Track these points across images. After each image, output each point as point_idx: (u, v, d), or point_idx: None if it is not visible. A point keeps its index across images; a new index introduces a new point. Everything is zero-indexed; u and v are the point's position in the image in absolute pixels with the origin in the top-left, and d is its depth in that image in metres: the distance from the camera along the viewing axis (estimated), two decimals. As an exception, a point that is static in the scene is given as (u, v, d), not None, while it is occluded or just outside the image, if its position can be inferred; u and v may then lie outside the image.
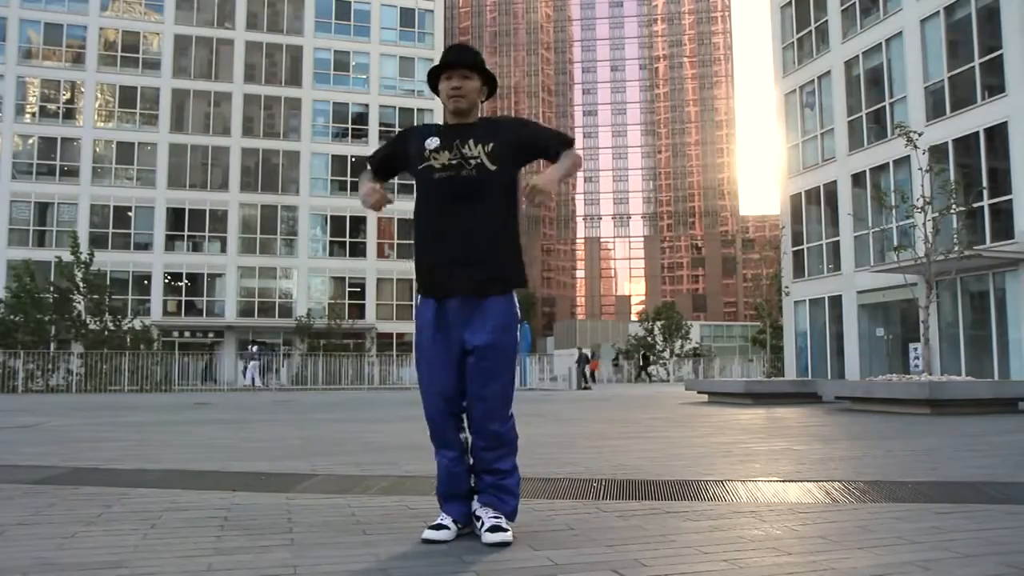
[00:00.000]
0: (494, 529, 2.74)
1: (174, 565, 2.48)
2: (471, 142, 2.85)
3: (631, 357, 50.42)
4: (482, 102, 2.99)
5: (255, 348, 33.88)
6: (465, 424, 2.90)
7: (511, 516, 2.85)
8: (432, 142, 2.89)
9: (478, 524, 2.81)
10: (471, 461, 2.90)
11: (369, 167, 3.09)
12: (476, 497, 2.89)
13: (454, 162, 2.83)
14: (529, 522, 3.07)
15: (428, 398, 2.89)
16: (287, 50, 44.71)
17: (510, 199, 2.93)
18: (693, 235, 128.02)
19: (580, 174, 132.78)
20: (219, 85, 43.49)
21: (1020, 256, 17.92)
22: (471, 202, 2.82)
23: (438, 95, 2.98)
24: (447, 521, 2.81)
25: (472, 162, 2.83)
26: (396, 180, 3.36)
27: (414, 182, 2.96)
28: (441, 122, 3.01)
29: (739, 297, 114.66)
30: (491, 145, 2.85)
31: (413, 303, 3.02)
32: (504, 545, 2.69)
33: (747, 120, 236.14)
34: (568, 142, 2.98)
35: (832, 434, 7.43)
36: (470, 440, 2.89)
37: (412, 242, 3.03)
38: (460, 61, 2.89)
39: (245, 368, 32.09)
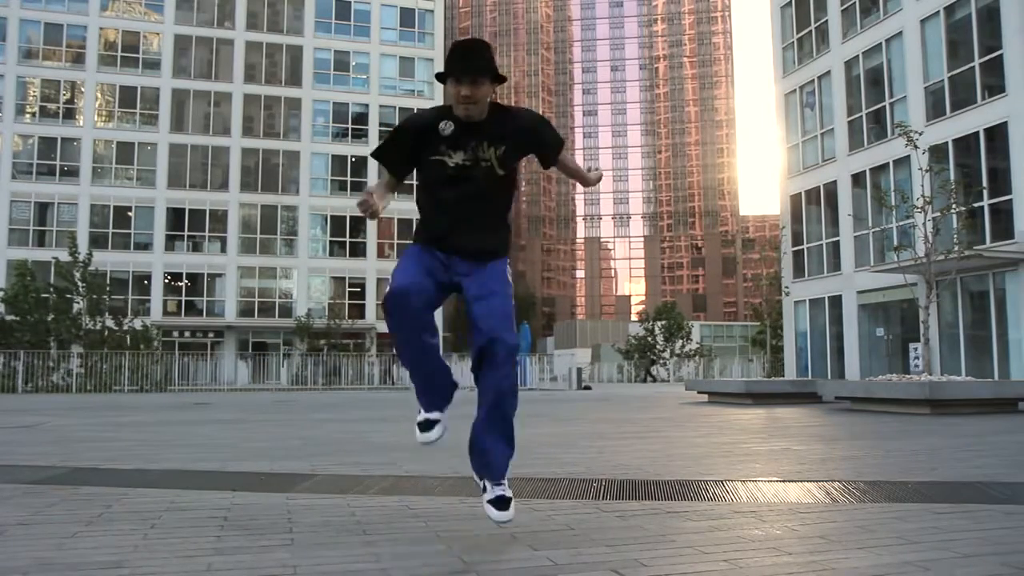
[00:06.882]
0: (499, 503, 2.73)
1: (174, 565, 2.48)
2: (485, 144, 2.87)
3: (632, 357, 50.37)
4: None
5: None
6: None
7: (503, 471, 2.83)
8: (446, 127, 2.87)
9: (480, 487, 2.83)
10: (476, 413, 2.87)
11: (386, 171, 3.03)
12: (472, 460, 2.88)
13: (468, 164, 2.87)
14: (529, 522, 3.06)
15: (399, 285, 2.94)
16: (287, 50, 44.71)
17: (510, 193, 3.01)
18: (693, 235, 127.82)
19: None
20: (219, 85, 43.48)
21: (1020, 256, 17.92)
22: (477, 200, 2.90)
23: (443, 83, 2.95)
24: (435, 416, 2.84)
25: (484, 164, 2.87)
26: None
27: (418, 172, 2.99)
28: (443, 103, 3.00)
29: (739, 297, 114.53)
30: (503, 149, 2.88)
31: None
32: (506, 522, 2.73)
33: (747, 120, 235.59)
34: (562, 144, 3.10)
35: (832, 434, 7.42)
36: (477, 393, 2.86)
37: (412, 239, 3.06)
38: (471, 70, 2.81)
39: None
